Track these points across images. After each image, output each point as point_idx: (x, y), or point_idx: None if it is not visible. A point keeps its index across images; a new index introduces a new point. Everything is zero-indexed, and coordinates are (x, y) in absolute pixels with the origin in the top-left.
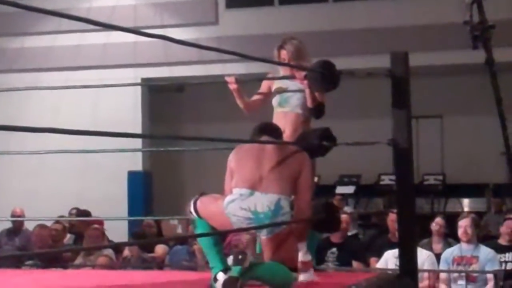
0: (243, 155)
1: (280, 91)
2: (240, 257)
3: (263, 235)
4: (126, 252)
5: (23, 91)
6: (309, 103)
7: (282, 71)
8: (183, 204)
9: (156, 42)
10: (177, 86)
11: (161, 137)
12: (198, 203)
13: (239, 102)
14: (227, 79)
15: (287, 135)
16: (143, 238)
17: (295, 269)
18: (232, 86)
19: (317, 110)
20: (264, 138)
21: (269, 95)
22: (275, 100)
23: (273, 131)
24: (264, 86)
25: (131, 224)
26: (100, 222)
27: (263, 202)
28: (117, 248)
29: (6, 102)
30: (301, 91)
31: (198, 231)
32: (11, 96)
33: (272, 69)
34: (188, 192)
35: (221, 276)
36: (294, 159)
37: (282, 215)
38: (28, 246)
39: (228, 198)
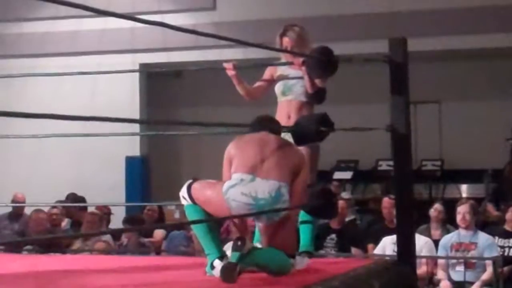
0: (243, 144)
1: (282, 78)
2: (239, 243)
3: (262, 222)
4: (124, 237)
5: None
6: (309, 89)
7: (284, 58)
8: (181, 189)
9: (154, 28)
10: (175, 72)
11: (159, 122)
12: (193, 188)
13: (238, 88)
14: (225, 65)
15: (291, 123)
16: (139, 223)
17: (292, 256)
18: (230, 72)
19: (317, 95)
20: (264, 133)
21: (271, 82)
22: (278, 89)
23: (272, 125)
24: (267, 73)
25: (129, 209)
26: (105, 208)
27: (264, 188)
28: (115, 233)
29: (4, 88)
30: (303, 78)
31: (191, 217)
32: (9, 82)
33: (268, 54)
34: (186, 177)
35: (217, 264)
36: (295, 154)
37: (282, 202)
38: (26, 231)
39: (228, 183)
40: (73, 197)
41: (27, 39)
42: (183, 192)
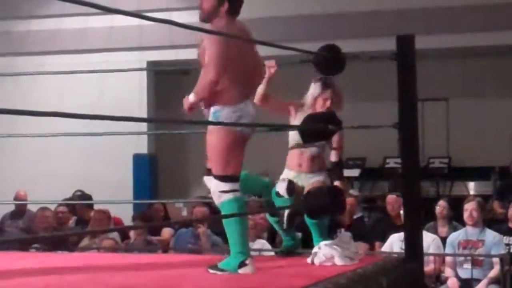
0: (241, 56)
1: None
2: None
3: None
4: (132, 235)
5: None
6: (332, 157)
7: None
8: (188, 187)
9: (162, 25)
10: (183, 69)
11: (166, 121)
12: (222, 170)
13: (262, 88)
14: (268, 63)
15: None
16: (147, 221)
17: None
18: (272, 71)
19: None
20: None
21: (286, 112)
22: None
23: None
24: (291, 107)
25: (136, 207)
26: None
27: (253, 110)
28: (122, 231)
29: (11, 86)
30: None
31: (232, 211)
32: (17, 80)
33: (274, 52)
34: (193, 176)
35: (250, 262)
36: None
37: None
38: (32, 228)
39: (235, 117)
40: (80, 195)
41: (34, 37)
42: (218, 186)
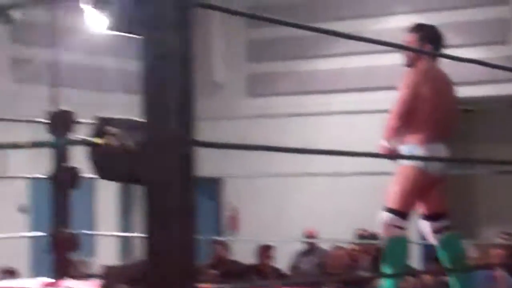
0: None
1: None
2: None
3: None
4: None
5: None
6: None
7: None
8: (477, 227)
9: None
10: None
11: (453, 161)
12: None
13: None
14: None
15: None
16: None
17: None
18: None
19: None
20: None
21: None
22: None
23: None
24: None
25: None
26: None
27: None
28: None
29: (302, 124)
30: None
31: (393, 249)
32: (307, 118)
33: None
34: (482, 215)
35: None
36: None
37: None
38: (325, 265)
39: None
40: (363, 234)
41: (321, 76)
42: (388, 218)
